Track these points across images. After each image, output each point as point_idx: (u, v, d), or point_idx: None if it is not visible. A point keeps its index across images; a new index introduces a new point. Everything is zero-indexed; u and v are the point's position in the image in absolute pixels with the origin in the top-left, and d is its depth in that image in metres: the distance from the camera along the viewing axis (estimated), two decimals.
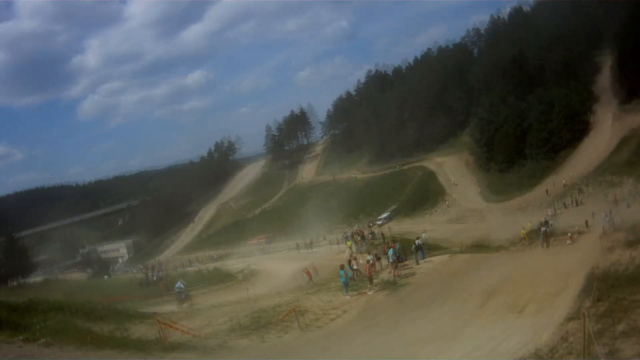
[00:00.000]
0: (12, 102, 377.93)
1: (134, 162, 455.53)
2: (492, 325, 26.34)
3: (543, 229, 49.00)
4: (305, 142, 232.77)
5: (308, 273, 60.17)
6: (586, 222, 71.24)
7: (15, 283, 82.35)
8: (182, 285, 54.26)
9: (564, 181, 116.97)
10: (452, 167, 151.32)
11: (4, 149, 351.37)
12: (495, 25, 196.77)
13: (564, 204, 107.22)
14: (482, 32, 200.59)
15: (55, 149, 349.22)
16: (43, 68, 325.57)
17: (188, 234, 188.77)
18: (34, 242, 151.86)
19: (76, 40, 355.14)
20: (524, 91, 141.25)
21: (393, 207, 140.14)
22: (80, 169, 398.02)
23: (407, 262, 49.00)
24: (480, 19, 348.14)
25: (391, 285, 40.75)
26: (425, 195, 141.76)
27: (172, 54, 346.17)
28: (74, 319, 29.01)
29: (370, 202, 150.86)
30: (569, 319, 22.13)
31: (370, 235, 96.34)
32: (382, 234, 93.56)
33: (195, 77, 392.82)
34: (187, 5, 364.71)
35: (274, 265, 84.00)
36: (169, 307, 47.73)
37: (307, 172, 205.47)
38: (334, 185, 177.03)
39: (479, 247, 60.15)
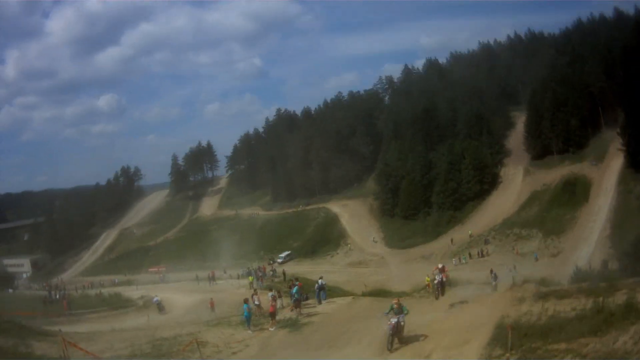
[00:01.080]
0: None
1: (42, 179, 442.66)
2: None
3: (437, 278, 47.91)
4: (210, 175, 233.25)
5: (211, 303, 60.60)
6: (491, 271, 72.88)
7: None
8: (159, 299, 70.38)
9: (470, 232, 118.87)
10: (355, 211, 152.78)
11: None
12: (409, 75, 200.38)
13: (469, 254, 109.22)
14: (395, 80, 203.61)
15: None
16: None
17: (90, 256, 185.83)
18: None
19: None
20: (433, 141, 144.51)
21: (293, 248, 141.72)
22: None
23: (309, 302, 49.68)
24: (393, 69, 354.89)
25: (293, 323, 40.92)
26: (327, 237, 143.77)
27: (86, 74, 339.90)
28: None
29: (272, 240, 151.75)
30: None
31: (271, 273, 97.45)
32: (283, 272, 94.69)
33: (106, 100, 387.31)
34: (106, 28, 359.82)
35: (174, 296, 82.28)
36: (72, 327, 47.57)
37: (210, 205, 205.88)
38: (236, 221, 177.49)
39: (381, 292, 60.29)
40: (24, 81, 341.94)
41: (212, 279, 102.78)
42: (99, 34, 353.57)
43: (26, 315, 49.92)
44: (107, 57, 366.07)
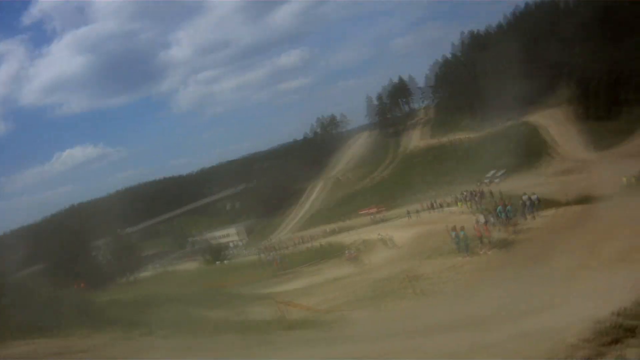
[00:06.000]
0: (102, 103, 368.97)
1: (237, 147, 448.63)
2: (605, 275, 25.47)
3: None
4: (407, 109, 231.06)
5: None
6: None
7: (125, 280, 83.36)
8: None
9: None
10: (553, 120, 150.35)
11: (100, 150, 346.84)
12: None
13: None
14: None
15: (153, 144, 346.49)
16: (129, 67, 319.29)
17: (299, 212, 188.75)
18: (142, 238, 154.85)
19: (160, 36, 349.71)
20: (615, 40, 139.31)
21: (501, 166, 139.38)
22: (182, 160, 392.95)
23: (517, 219, 49.54)
24: None
25: (502, 243, 41.10)
26: (531, 149, 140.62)
27: (263, 36, 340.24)
28: (189, 308, 29.21)
29: (477, 162, 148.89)
30: None
31: (483, 195, 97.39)
32: (491, 193, 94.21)
33: (290, 56, 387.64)
34: None
35: (388, 234, 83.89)
36: (287, 286, 48.85)
37: (412, 139, 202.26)
38: (440, 150, 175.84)
39: (587, 197, 59.46)
40: (198, 58, 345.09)
41: (429, 208, 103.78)
42: None
43: (238, 283, 51.50)
44: (281, 15, 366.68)
